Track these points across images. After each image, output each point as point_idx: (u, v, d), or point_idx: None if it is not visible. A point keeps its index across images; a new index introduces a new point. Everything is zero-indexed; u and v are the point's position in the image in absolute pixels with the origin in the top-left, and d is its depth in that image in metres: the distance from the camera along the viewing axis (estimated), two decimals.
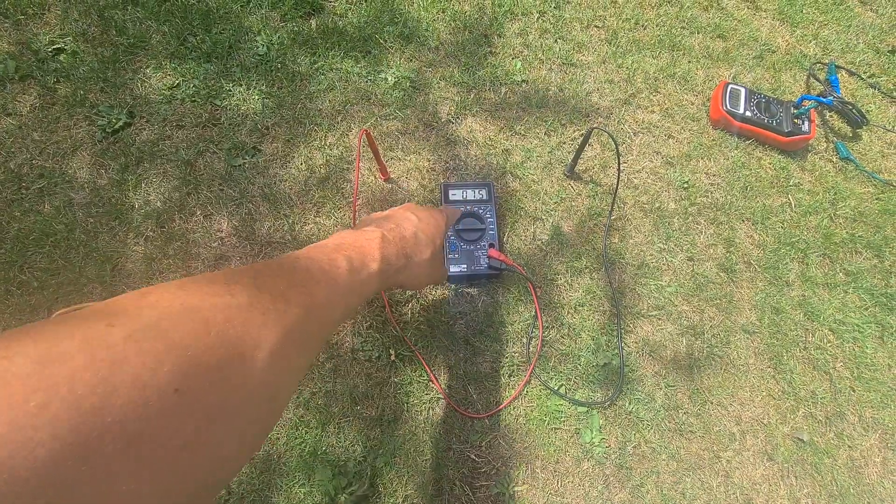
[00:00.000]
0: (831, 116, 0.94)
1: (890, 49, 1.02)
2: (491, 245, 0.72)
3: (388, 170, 0.76)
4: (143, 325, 0.19)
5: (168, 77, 0.81)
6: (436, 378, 0.67)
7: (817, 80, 0.94)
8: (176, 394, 0.18)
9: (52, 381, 0.15)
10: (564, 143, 0.84)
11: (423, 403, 0.66)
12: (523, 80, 0.89)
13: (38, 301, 0.66)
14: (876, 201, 0.87)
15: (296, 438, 0.63)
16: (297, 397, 0.65)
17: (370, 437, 0.64)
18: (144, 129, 0.78)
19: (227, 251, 0.71)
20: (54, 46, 0.81)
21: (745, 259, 0.80)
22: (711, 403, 0.70)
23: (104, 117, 0.77)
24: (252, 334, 0.23)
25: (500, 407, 0.66)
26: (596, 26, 0.96)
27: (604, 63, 0.93)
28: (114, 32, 0.83)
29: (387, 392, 0.66)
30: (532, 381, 0.69)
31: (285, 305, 0.25)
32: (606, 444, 0.66)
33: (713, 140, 0.88)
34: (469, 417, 0.66)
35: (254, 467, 0.61)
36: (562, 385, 0.69)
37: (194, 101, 0.80)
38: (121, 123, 0.77)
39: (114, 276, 0.69)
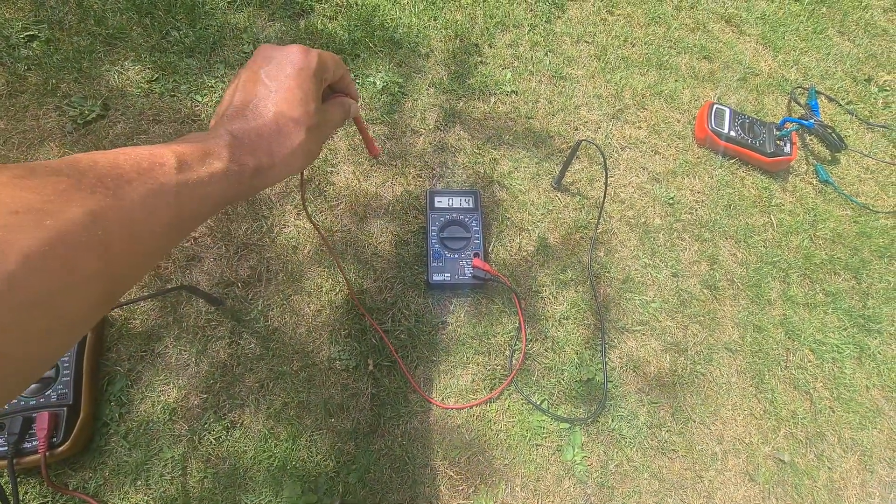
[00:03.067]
0: (811, 140, 0.96)
1: (866, 78, 1.05)
2: (476, 254, 0.70)
3: (377, 146, 0.73)
4: None
5: (147, 70, 0.78)
6: (417, 385, 0.65)
7: (798, 103, 0.96)
8: None
9: None
10: (552, 154, 0.84)
11: (401, 416, 0.63)
12: (513, 91, 0.88)
13: None
14: (853, 224, 0.89)
15: (264, 451, 0.59)
16: (268, 408, 0.61)
17: (343, 452, 0.61)
18: (119, 122, 0.75)
19: (199, 251, 0.68)
20: (27, 33, 0.77)
21: (729, 276, 0.80)
22: (694, 422, 0.69)
23: (76, 108, 0.73)
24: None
25: (478, 402, 0.64)
26: (586, 41, 0.97)
27: (593, 78, 0.93)
28: (92, 22, 0.80)
29: (363, 404, 0.63)
30: (514, 396, 0.67)
31: (61, 206, 0.22)
32: (588, 463, 0.64)
33: (698, 158, 0.89)
34: (445, 411, 0.63)
35: (217, 482, 0.57)
36: (544, 400, 0.67)
37: (174, 95, 0.77)
38: (94, 115, 0.74)
39: None
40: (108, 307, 0.26)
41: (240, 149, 0.31)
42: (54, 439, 0.53)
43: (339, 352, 0.66)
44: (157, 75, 0.78)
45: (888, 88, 1.05)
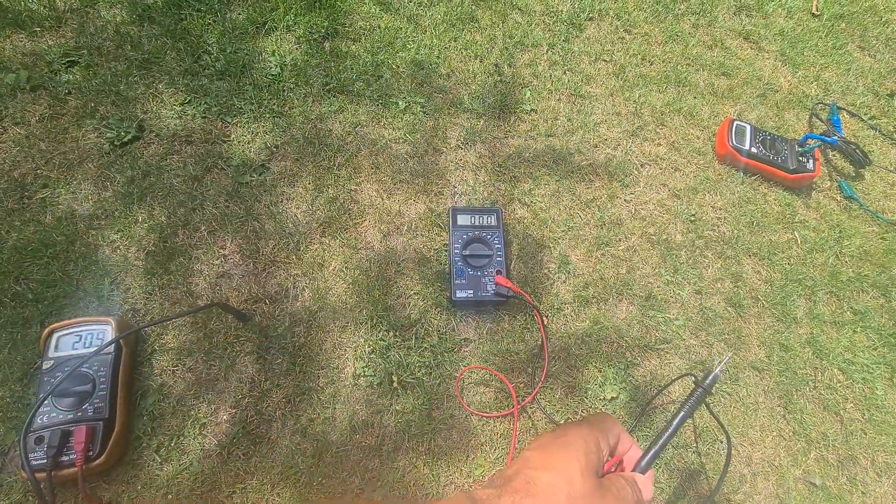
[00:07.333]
0: (834, 156, 0.95)
1: (889, 93, 1.05)
2: (498, 271, 0.71)
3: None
4: None
5: (180, 93, 0.82)
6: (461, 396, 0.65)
7: (820, 119, 0.96)
8: None
9: None
10: (572, 171, 0.84)
11: (425, 434, 0.63)
12: (532, 109, 0.90)
13: (31, 314, 0.64)
14: (881, 241, 0.87)
15: (290, 468, 0.60)
16: (294, 423, 0.62)
17: (368, 469, 0.61)
18: (153, 143, 0.77)
19: (229, 269, 0.70)
20: (68, 59, 0.81)
21: (753, 294, 0.79)
22: (721, 442, 0.68)
23: (113, 130, 0.77)
24: None
25: (501, 414, 0.64)
26: (604, 60, 0.98)
27: (612, 96, 0.94)
28: (129, 48, 0.84)
29: (387, 420, 0.64)
30: (538, 414, 0.66)
31: None
32: None
33: (719, 175, 0.89)
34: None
35: (245, 498, 0.58)
36: (567, 419, 0.67)
37: (205, 117, 0.80)
38: (129, 136, 0.77)
39: (112, 290, 0.67)
40: None
41: None
42: (90, 453, 0.54)
43: (363, 368, 0.66)
44: (189, 98, 0.81)
45: None
